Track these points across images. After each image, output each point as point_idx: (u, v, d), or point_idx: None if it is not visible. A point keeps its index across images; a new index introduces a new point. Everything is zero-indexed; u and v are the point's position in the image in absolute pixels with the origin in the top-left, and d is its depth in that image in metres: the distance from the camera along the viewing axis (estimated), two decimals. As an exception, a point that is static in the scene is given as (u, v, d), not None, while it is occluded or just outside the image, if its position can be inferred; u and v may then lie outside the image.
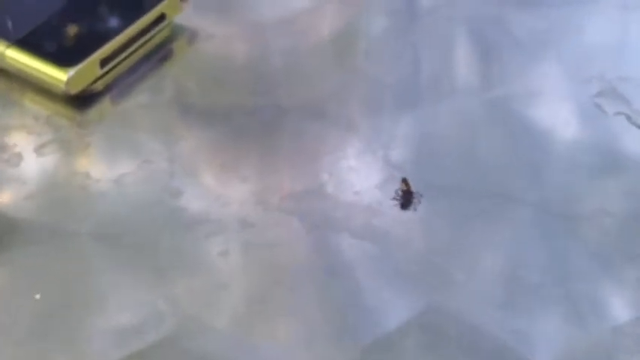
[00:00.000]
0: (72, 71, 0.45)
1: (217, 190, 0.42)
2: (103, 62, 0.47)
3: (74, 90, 0.46)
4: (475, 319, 0.36)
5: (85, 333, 0.36)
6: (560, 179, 0.42)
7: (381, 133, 0.44)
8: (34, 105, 0.47)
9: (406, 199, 0.39)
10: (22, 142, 0.44)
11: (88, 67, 0.46)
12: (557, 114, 0.45)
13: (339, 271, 0.38)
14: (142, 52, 0.49)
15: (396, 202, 0.39)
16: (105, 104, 0.47)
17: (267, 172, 0.43)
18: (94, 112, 0.47)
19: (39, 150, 0.44)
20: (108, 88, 0.47)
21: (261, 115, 0.46)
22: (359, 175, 0.42)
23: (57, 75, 0.45)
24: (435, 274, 0.38)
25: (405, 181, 0.40)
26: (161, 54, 0.50)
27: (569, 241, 0.39)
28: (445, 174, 0.42)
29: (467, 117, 0.45)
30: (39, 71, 0.46)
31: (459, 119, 0.45)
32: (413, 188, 0.39)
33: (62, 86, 0.46)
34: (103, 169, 0.43)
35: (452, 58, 0.49)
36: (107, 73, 0.48)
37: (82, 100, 0.47)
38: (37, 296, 0.37)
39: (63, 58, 0.46)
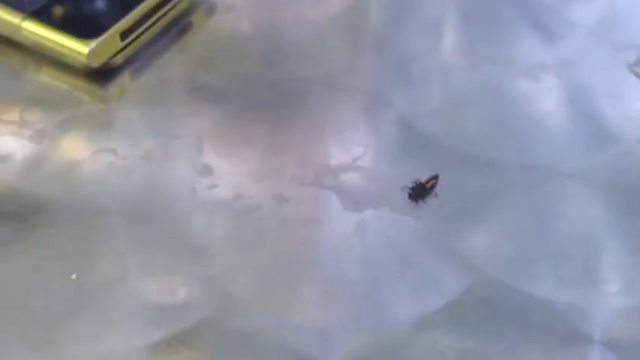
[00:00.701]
0: (93, 44, 0.44)
1: (248, 165, 0.41)
2: (124, 35, 0.45)
3: (95, 63, 0.44)
4: (525, 292, 0.35)
5: (123, 314, 0.34)
6: (601, 151, 0.41)
7: (411, 105, 0.43)
8: (51, 80, 0.45)
9: (417, 191, 0.38)
10: (43, 118, 0.43)
11: (109, 40, 0.44)
12: (595, 84, 0.44)
13: (380, 246, 0.37)
14: (161, 24, 0.48)
15: (406, 189, 0.37)
16: (125, 79, 0.45)
17: (299, 146, 0.41)
18: (114, 86, 0.45)
19: (61, 126, 0.42)
20: (127, 62, 0.46)
21: (285, 88, 0.44)
22: (392, 148, 0.41)
23: (77, 47, 0.44)
24: (481, 247, 0.37)
25: (434, 177, 0.38)
26: (180, 26, 0.48)
27: (612, 213, 0.38)
28: (479, 146, 0.41)
29: (498, 87, 0.44)
30: (58, 44, 0.44)
31: (489, 89, 0.44)
32: (433, 186, 0.38)
33: (83, 59, 0.44)
34: (129, 145, 0.41)
35: (477, 27, 0.48)
36: (127, 46, 0.46)
37: (101, 75, 0.45)
38: (74, 276, 0.36)
39: (83, 30, 0.44)
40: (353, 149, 0.41)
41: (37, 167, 0.40)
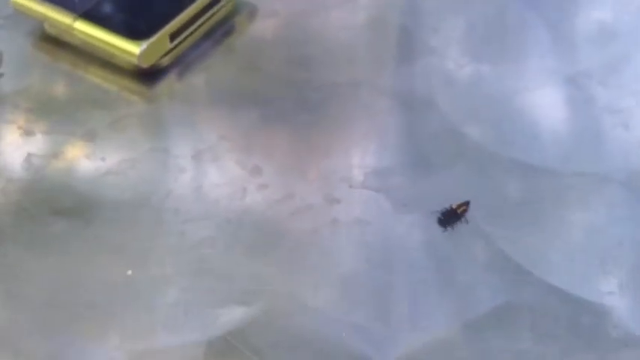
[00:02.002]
0: (144, 44, 0.44)
1: (298, 166, 0.41)
2: (173, 36, 0.45)
3: (145, 64, 0.45)
4: (576, 296, 0.35)
5: (178, 310, 0.35)
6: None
7: (455, 109, 0.43)
8: (100, 80, 0.45)
9: (447, 216, 0.36)
10: (94, 117, 0.43)
11: (159, 41, 0.45)
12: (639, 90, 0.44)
13: (430, 248, 0.37)
14: (206, 27, 0.48)
15: (436, 214, 0.36)
16: (172, 79, 0.46)
17: (345, 149, 0.42)
18: (162, 87, 0.45)
19: (113, 125, 0.43)
20: (174, 64, 0.46)
21: (330, 92, 0.44)
22: (438, 152, 0.41)
23: (129, 48, 0.44)
24: (530, 251, 0.37)
25: (465, 203, 0.37)
26: (224, 29, 0.48)
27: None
28: (525, 151, 0.41)
29: (543, 94, 0.44)
30: (109, 44, 0.45)
31: (534, 96, 0.44)
32: (463, 212, 0.37)
33: (134, 59, 0.44)
34: (180, 145, 0.41)
35: (517, 33, 0.48)
36: (175, 47, 0.47)
37: (149, 76, 0.45)
38: (129, 272, 0.36)
39: (134, 31, 0.44)
40: (398, 152, 0.42)
41: (91, 165, 0.40)
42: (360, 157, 0.41)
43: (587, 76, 0.45)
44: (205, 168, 0.40)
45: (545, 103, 0.44)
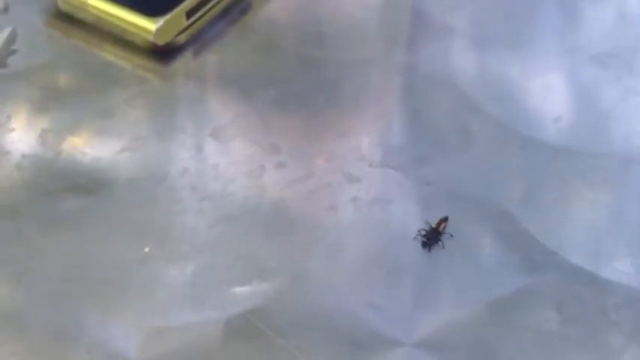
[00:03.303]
0: (161, 21, 0.43)
1: (316, 144, 0.40)
2: (189, 13, 0.44)
3: (161, 41, 0.44)
4: (602, 277, 0.34)
5: (196, 288, 0.34)
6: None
7: (475, 87, 0.42)
8: (115, 58, 0.44)
9: (429, 237, 0.35)
10: (109, 94, 0.42)
11: (175, 18, 0.44)
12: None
13: (453, 229, 0.35)
14: (223, 4, 0.47)
15: (418, 238, 0.35)
16: (188, 57, 0.45)
17: (365, 127, 0.41)
18: (178, 65, 0.44)
19: (128, 103, 0.41)
20: (190, 41, 0.45)
21: (348, 70, 0.43)
22: (458, 129, 0.40)
23: (145, 25, 0.43)
24: (554, 231, 0.36)
25: (444, 219, 0.35)
26: (240, 7, 0.47)
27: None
28: (550, 132, 0.40)
29: (569, 74, 0.43)
30: (125, 21, 0.44)
31: (560, 76, 0.43)
32: (444, 229, 0.35)
33: (150, 37, 0.43)
34: (197, 123, 0.40)
35: (542, 13, 0.46)
36: (191, 25, 0.46)
37: (164, 54, 0.44)
38: (147, 249, 0.35)
39: (150, 7, 0.43)
40: (417, 131, 0.40)
41: (106, 142, 0.39)
42: (379, 135, 0.40)
43: (612, 56, 0.44)
44: (222, 146, 0.39)
45: (569, 83, 0.43)
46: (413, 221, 0.36)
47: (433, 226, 0.35)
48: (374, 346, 0.32)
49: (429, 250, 0.35)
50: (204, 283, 0.34)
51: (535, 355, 0.32)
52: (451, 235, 0.35)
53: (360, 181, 0.38)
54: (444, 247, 0.35)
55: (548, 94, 0.42)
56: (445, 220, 0.35)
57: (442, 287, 0.34)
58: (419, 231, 0.35)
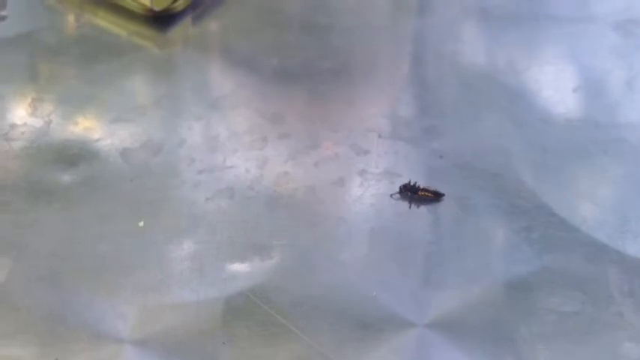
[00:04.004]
0: (157, -15, 0.41)
1: (321, 114, 0.38)
2: (188, -23, 0.43)
3: (159, 6, 0.41)
4: (629, 255, 0.32)
5: (194, 264, 0.31)
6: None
7: (488, 56, 0.39)
8: (110, 24, 0.42)
9: (403, 189, 0.33)
10: (104, 62, 0.39)
11: (173, -18, 0.42)
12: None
13: (468, 203, 0.33)
14: (223, -31, 0.45)
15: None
16: (186, 24, 0.42)
17: (374, 96, 0.38)
18: (176, 32, 0.42)
19: (124, 71, 0.39)
20: (188, 7, 0.43)
21: (355, 37, 0.41)
22: (472, 100, 0.37)
23: (141, -11, 0.41)
24: (575, 206, 0.33)
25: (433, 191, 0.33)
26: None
27: None
28: (569, 103, 0.37)
29: (589, 41, 0.41)
30: (120, -15, 0.42)
31: (581, 43, 0.40)
32: (423, 192, 0.33)
33: (147, 2, 0.41)
34: (196, 92, 0.38)
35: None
36: (189, -10, 0.44)
37: (161, 20, 0.42)
38: (141, 223, 0.33)
39: (146, -30, 0.42)
40: (429, 101, 0.38)
41: (99, 111, 0.37)
42: (388, 105, 0.38)
43: (635, 24, 0.42)
44: (222, 116, 0.37)
45: (589, 51, 0.40)
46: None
47: (420, 187, 0.33)
48: (383, 327, 0.30)
49: (392, 195, 0.33)
50: (202, 259, 0.32)
51: (556, 338, 0.29)
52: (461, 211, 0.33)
53: (368, 153, 0.35)
54: (409, 207, 0.33)
55: (566, 63, 0.40)
56: (436, 193, 0.33)
57: (455, 265, 0.32)
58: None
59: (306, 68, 0.40)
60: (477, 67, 0.39)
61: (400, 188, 0.33)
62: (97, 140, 0.36)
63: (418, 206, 0.33)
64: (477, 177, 0.34)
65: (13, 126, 0.37)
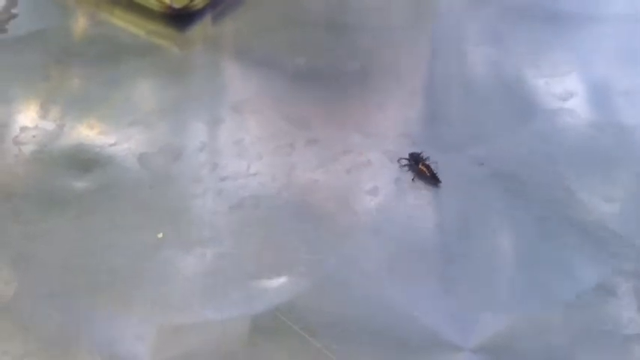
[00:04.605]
0: (177, -19, 0.39)
1: (351, 119, 0.35)
2: (208, -26, 0.41)
3: (178, 4, 0.39)
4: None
5: (217, 279, 0.28)
6: None
7: (522, 55, 0.37)
8: (126, 23, 0.40)
9: (410, 161, 0.32)
10: (120, 62, 0.37)
11: (193, -21, 0.40)
12: None
13: (515, 215, 0.31)
14: (245, -34, 0.43)
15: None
16: (207, 23, 0.40)
17: (406, 99, 0.35)
18: (196, 31, 0.39)
19: (141, 72, 0.37)
20: (208, 6, 0.40)
21: (383, 37, 0.38)
22: (511, 105, 0.35)
23: (160, -15, 0.39)
24: (630, 218, 0.30)
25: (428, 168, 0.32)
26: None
27: None
28: (620, 106, 0.34)
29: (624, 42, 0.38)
30: (137, -19, 0.40)
31: (623, 43, 0.38)
32: (427, 164, 0.32)
33: (166, 0, 0.39)
34: (218, 94, 0.35)
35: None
36: (210, -13, 0.41)
37: (181, 19, 0.39)
38: (160, 235, 0.30)
39: (165, -34, 0.40)
40: (466, 105, 0.35)
41: (116, 114, 0.35)
42: (423, 108, 0.35)
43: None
44: (245, 120, 0.35)
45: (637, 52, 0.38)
46: (465, 206, 0.31)
47: (424, 159, 0.32)
48: (425, 350, 0.27)
49: (399, 160, 0.31)
50: (226, 275, 0.29)
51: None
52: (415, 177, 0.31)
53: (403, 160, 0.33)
54: (413, 180, 0.31)
55: (614, 66, 0.37)
56: (433, 175, 0.31)
57: (504, 283, 0.29)
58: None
59: (333, 69, 0.37)
60: (516, 70, 0.37)
61: (409, 154, 0.32)
62: (113, 144, 0.34)
63: (420, 190, 0.31)
64: (521, 186, 0.32)
65: (23, 129, 0.34)
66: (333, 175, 0.32)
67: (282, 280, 0.29)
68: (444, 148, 0.33)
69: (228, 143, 0.33)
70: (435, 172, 0.32)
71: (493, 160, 0.32)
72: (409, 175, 0.32)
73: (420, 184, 0.32)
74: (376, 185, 0.32)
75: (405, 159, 0.32)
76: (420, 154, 0.32)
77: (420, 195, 0.32)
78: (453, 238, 0.30)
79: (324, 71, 0.37)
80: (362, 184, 0.32)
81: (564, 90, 0.36)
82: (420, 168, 0.32)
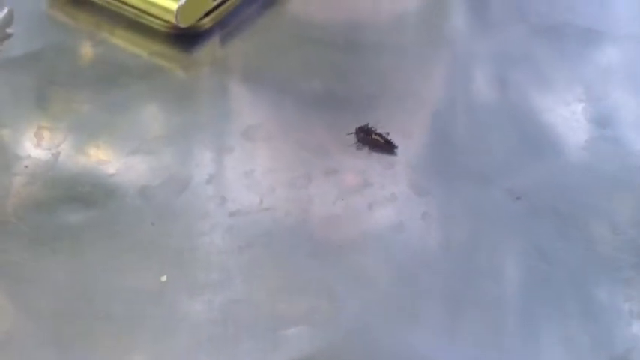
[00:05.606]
0: (183, 0, 0.36)
1: (371, 146, 0.33)
2: (216, -7, 0.38)
3: (184, 23, 0.36)
4: None
5: (228, 329, 0.25)
6: None
7: (553, 80, 0.34)
8: (128, 44, 0.37)
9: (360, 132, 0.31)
10: (121, 86, 0.34)
11: (200, -3, 0.37)
12: None
13: (554, 255, 0.27)
14: (255, -16, 0.40)
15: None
16: (214, 44, 0.37)
17: (433, 124, 0.32)
18: (203, 52, 0.36)
19: (144, 96, 0.34)
20: (216, 26, 0.38)
21: (399, 56, 0.36)
22: (547, 132, 0.32)
23: (166, 4, 0.35)
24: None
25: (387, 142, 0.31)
26: (275, -12, 0.41)
27: None
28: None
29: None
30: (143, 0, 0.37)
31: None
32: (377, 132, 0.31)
33: (171, 18, 0.36)
34: (226, 120, 0.32)
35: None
36: (218, 6, 0.38)
37: (187, 40, 0.36)
38: (164, 278, 0.27)
39: (171, -17, 0.37)
40: (500, 132, 0.32)
41: (116, 142, 0.32)
42: (452, 136, 0.32)
43: None
44: (256, 148, 0.31)
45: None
46: (501, 244, 0.28)
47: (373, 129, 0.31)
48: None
49: (347, 135, 0.30)
50: (236, 323, 0.26)
51: None
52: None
53: (430, 193, 0.30)
54: (357, 148, 0.30)
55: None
56: (388, 142, 0.30)
57: (549, 331, 0.26)
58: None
59: (350, 92, 0.34)
60: (547, 93, 0.34)
61: (355, 130, 0.31)
62: (113, 176, 0.31)
63: (451, 227, 0.28)
64: (561, 222, 0.29)
65: (15, 158, 0.32)
66: (353, 209, 0.29)
67: (299, 329, 0.26)
68: (475, 179, 0.30)
69: (237, 174, 0.30)
70: (389, 139, 0.31)
71: (530, 193, 0.29)
72: (437, 209, 0.29)
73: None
74: (401, 221, 0.29)
75: (354, 134, 0.31)
76: (367, 125, 0.31)
77: (451, 232, 0.28)
78: (490, 280, 0.27)
79: (340, 94, 0.34)
80: (386, 219, 0.29)
81: (600, 116, 0.33)
82: (374, 138, 0.31)
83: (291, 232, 0.28)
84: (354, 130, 0.31)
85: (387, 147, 0.31)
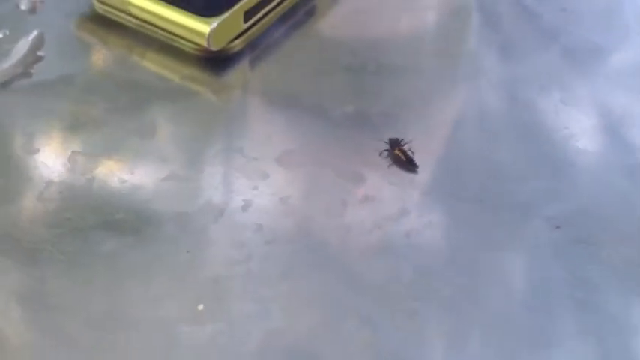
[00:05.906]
0: (215, 23, 0.35)
1: (408, 172, 0.32)
2: (247, 15, 0.37)
3: (215, 46, 0.36)
4: None
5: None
6: None
7: (576, 99, 0.33)
8: (159, 67, 0.37)
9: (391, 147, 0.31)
10: (153, 110, 0.34)
11: (232, 20, 0.35)
12: None
13: (598, 292, 0.27)
14: (285, 6, 0.40)
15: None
16: (245, 67, 0.37)
17: (469, 149, 0.31)
18: (234, 75, 0.36)
19: (176, 120, 0.33)
20: (247, 49, 0.37)
21: (436, 78, 0.35)
22: (582, 157, 0.31)
23: (196, 27, 0.35)
24: None
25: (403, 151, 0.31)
26: (304, 10, 0.40)
27: None
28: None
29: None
30: (173, 23, 0.35)
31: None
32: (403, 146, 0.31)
33: (202, 41, 0.35)
34: (260, 145, 0.32)
35: None
36: (248, 29, 0.38)
37: (218, 62, 0.36)
38: (200, 307, 0.26)
39: (202, 7, 0.35)
40: (538, 156, 0.31)
41: (149, 168, 0.31)
42: (490, 161, 0.31)
43: None
44: (291, 174, 0.31)
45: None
46: (540, 274, 0.27)
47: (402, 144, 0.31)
48: None
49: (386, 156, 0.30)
50: (275, 356, 0.25)
51: None
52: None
53: (469, 221, 0.29)
54: (389, 167, 0.30)
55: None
56: (410, 161, 0.30)
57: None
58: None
59: (385, 116, 0.34)
60: (583, 117, 0.33)
61: (389, 140, 0.31)
62: (147, 202, 0.30)
63: (491, 260, 0.27)
64: (609, 256, 0.28)
65: (49, 184, 0.31)
66: (392, 237, 0.28)
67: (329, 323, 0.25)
68: (513, 207, 0.29)
69: (273, 201, 0.30)
70: (411, 157, 0.30)
71: (573, 222, 0.29)
72: (474, 237, 0.29)
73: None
74: (433, 251, 0.28)
75: (387, 142, 0.31)
76: (399, 139, 0.30)
77: (492, 261, 0.28)
78: (528, 312, 0.26)
79: (375, 119, 0.34)
80: (425, 248, 0.28)
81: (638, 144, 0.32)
82: (396, 153, 0.30)
83: (329, 261, 0.28)
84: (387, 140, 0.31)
85: (407, 165, 0.30)
